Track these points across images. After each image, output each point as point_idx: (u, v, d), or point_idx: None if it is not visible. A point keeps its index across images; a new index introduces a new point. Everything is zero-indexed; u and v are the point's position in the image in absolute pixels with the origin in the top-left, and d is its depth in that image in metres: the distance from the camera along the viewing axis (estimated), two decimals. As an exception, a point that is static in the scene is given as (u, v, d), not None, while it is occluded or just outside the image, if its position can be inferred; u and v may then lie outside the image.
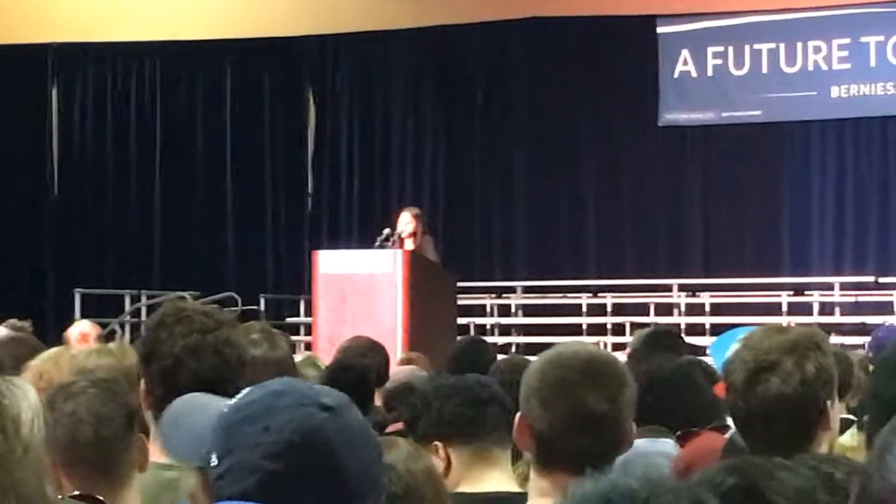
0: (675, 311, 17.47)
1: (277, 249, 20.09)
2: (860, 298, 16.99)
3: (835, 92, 17.82)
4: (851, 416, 5.28)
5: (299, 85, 20.23)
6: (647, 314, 17.05)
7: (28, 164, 20.41)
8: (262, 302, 17.94)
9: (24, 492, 2.13)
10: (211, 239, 19.98)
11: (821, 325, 14.17)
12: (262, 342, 4.68)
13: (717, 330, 14.51)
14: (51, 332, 11.26)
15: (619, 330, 16.88)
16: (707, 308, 17.31)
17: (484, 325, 17.74)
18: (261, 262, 19.92)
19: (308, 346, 13.69)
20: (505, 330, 18.11)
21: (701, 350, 10.76)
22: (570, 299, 18.01)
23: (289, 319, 17.58)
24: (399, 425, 4.61)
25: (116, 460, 3.27)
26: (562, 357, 3.10)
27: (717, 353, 7.49)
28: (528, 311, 18.34)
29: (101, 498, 3.16)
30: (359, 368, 6.24)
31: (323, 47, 20.03)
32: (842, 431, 4.67)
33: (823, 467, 2.48)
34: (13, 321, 8.83)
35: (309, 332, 14.65)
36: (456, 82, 19.49)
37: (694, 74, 18.46)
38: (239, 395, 2.12)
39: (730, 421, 3.72)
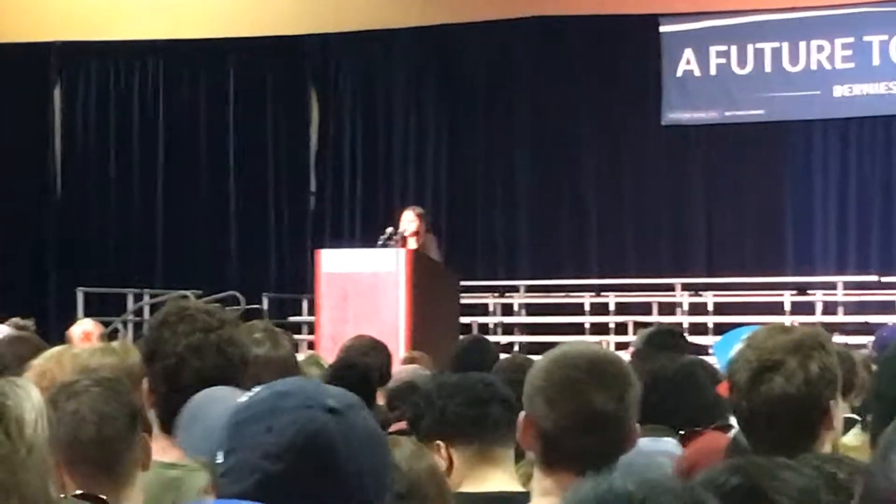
0: (678, 310, 17.45)
1: (280, 248, 20.09)
2: (863, 298, 16.98)
3: (838, 91, 17.81)
4: (855, 416, 5.27)
5: (302, 84, 20.24)
6: (650, 313, 17.03)
7: (31, 162, 20.42)
8: (265, 301, 17.93)
9: (28, 493, 2.13)
10: (214, 238, 19.98)
11: (824, 324, 14.17)
12: (264, 341, 4.68)
13: (719, 329, 14.50)
14: (53, 331, 11.26)
15: (621, 329, 16.87)
16: (710, 307, 17.29)
17: (486, 324, 17.73)
18: (263, 261, 19.92)
19: (311, 345, 13.68)
20: (507, 329, 18.10)
21: (704, 349, 10.77)
22: (572, 298, 17.99)
23: (291, 318, 17.58)
24: (402, 424, 4.61)
25: (119, 459, 3.27)
26: (567, 356, 3.10)
27: (721, 352, 7.49)
28: (531, 310, 18.33)
29: (104, 497, 3.16)
30: (361, 367, 6.25)
31: (326, 46, 20.03)
32: (845, 431, 4.67)
33: (827, 467, 2.48)
34: (16, 320, 8.85)
35: (311, 331, 14.64)
36: (458, 81, 19.48)
37: (697, 74, 18.45)
38: (250, 393, 2.11)
39: (733, 420, 3.72)
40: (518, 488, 3.66)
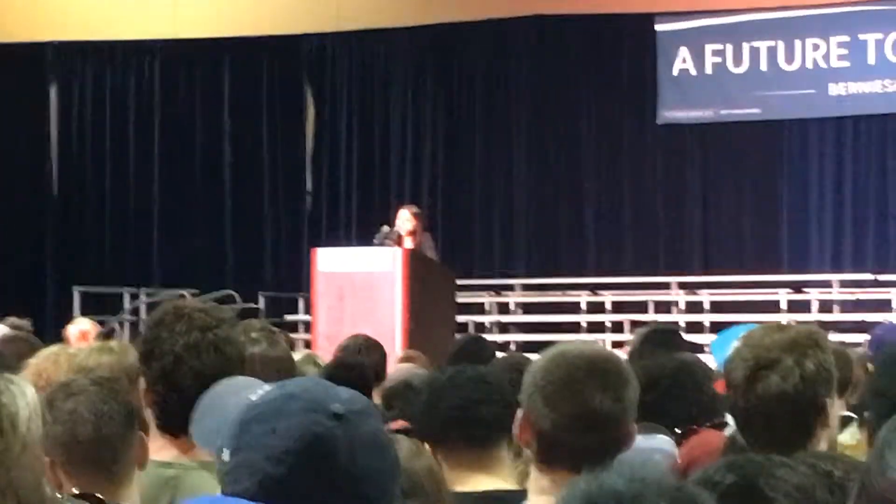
0: (675, 308, 17.46)
1: (276, 247, 20.08)
2: (859, 296, 16.99)
3: (833, 90, 17.82)
4: (851, 414, 5.27)
5: (298, 83, 20.23)
6: (647, 312, 17.05)
7: (27, 162, 20.41)
8: (262, 300, 17.95)
9: (22, 490, 2.13)
10: (210, 237, 19.97)
11: (820, 322, 14.18)
12: (261, 340, 4.68)
13: (716, 327, 14.51)
14: (50, 330, 11.27)
15: (618, 328, 16.88)
16: (706, 306, 17.30)
17: (483, 323, 17.74)
18: (260, 261, 19.92)
19: (307, 344, 13.68)
20: (504, 328, 18.10)
21: (700, 348, 10.76)
22: (569, 297, 17.99)
23: (288, 317, 17.58)
24: (403, 423, 4.61)
25: (116, 458, 3.27)
26: (566, 355, 3.10)
27: (717, 350, 7.49)
28: (528, 308, 18.34)
29: (101, 496, 3.16)
30: (357, 366, 6.25)
31: (322, 45, 20.02)
32: (841, 429, 4.67)
33: (822, 465, 2.48)
34: (12, 319, 8.85)
35: (308, 330, 14.66)
36: (455, 80, 19.49)
37: (693, 72, 18.45)
38: (261, 392, 2.11)
39: (729, 419, 3.72)
40: (514, 487, 3.66)
